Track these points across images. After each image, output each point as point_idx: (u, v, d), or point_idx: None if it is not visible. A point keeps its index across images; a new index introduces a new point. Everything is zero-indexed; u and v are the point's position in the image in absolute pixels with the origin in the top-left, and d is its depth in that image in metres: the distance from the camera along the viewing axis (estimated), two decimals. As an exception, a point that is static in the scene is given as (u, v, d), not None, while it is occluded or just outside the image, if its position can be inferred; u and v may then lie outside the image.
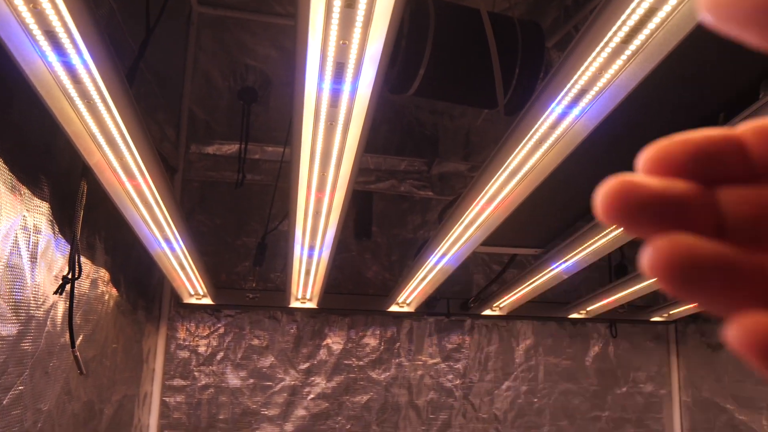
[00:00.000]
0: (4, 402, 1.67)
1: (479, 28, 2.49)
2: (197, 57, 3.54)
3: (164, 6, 2.15)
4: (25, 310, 1.77)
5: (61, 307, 2.02)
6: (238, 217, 3.50)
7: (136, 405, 3.05)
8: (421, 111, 3.70)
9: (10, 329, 1.68)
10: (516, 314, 3.56)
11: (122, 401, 2.84)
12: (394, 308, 3.38)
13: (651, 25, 1.35)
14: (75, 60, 1.39)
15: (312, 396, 3.45)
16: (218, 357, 3.40)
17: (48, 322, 1.94)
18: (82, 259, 2.30)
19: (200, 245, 3.44)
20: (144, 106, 2.76)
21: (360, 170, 3.58)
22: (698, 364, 3.70)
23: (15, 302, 1.71)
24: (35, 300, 1.83)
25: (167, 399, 3.30)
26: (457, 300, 3.57)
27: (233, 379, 3.38)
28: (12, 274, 1.70)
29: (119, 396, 2.80)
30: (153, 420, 3.25)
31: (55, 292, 1.87)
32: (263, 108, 3.50)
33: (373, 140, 3.62)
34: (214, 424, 3.32)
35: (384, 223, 3.66)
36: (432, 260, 2.64)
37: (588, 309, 3.50)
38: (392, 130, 3.65)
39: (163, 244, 2.42)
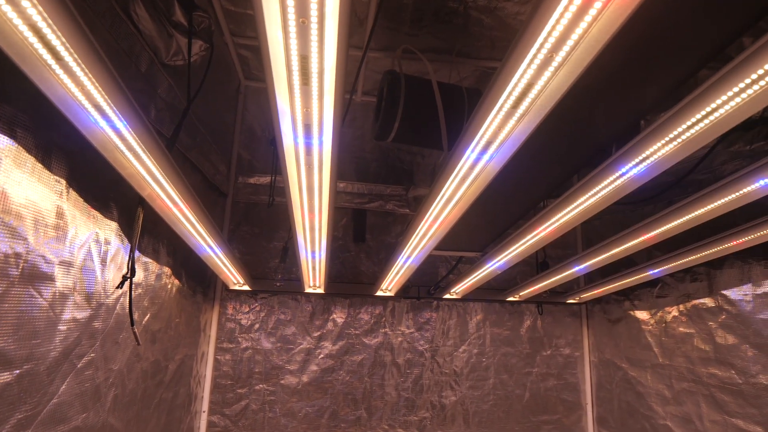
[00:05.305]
0: (78, 365, 1.64)
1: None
2: (244, 115, 3.53)
3: (203, 81, 2.13)
4: (96, 299, 1.73)
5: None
6: (270, 227, 3.46)
7: (195, 361, 3.01)
8: (401, 151, 3.65)
9: (83, 313, 1.65)
10: (469, 297, 3.48)
11: (184, 359, 2.79)
12: (380, 293, 3.31)
13: (531, 95, 1.28)
14: (118, 124, 1.37)
15: (322, 355, 3.39)
16: (255, 327, 3.36)
17: (117, 307, 1.90)
18: (148, 260, 2.28)
19: (244, 247, 3.44)
20: (198, 150, 2.74)
21: (356, 194, 3.55)
22: (602, 334, 3.57)
23: (87, 294, 1.68)
24: (105, 291, 1.80)
25: (218, 357, 3.27)
26: (425, 287, 3.50)
27: (266, 343, 3.34)
28: (85, 274, 1.67)
29: (181, 355, 2.75)
30: (208, 371, 3.23)
31: (117, 287, 1.83)
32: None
33: (365, 173, 3.58)
34: (251, 375, 3.28)
35: (374, 232, 3.60)
36: (400, 261, 2.57)
37: (521, 293, 3.40)
38: (380, 165, 3.60)
39: (207, 249, 2.39)
